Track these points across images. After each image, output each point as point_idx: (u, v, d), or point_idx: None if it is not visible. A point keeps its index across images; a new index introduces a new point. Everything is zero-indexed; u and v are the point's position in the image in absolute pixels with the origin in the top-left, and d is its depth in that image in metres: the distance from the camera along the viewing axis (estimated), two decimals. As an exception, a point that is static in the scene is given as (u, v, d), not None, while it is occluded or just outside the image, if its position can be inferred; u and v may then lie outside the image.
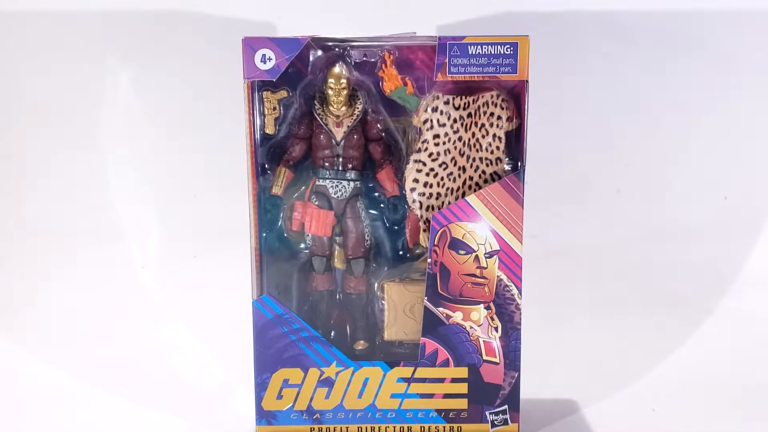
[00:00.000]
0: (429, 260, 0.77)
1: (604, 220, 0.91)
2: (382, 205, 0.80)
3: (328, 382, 0.78)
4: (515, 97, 0.77)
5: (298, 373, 0.77)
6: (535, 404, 0.85)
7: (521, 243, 0.77)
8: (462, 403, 0.79)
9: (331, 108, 0.76)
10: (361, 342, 0.81)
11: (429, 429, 0.79)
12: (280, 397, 0.78)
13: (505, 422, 0.79)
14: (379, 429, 0.79)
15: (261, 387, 0.78)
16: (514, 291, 0.77)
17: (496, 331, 0.78)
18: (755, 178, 0.91)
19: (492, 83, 0.76)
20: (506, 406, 0.79)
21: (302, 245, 0.80)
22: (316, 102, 0.77)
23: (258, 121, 0.76)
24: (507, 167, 0.78)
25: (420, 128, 0.77)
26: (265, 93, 0.75)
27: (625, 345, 0.94)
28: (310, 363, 0.77)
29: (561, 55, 0.90)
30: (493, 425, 0.79)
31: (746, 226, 0.91)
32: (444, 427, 0.79)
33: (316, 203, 0.78)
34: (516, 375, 0.79)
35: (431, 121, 0.77)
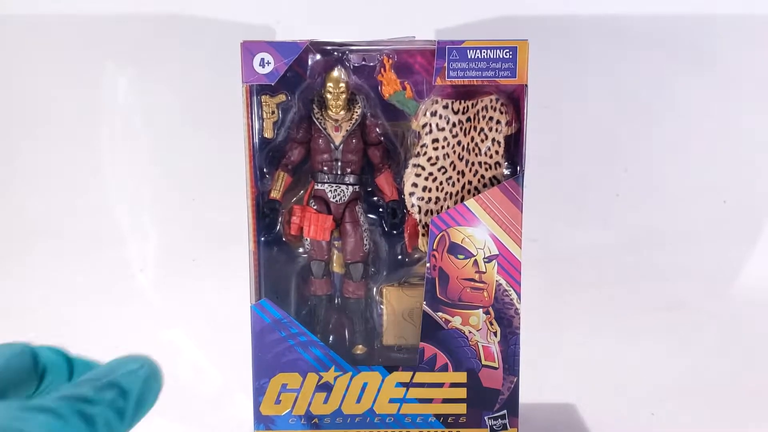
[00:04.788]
0: (428, 265, 0.76)
1: (603, 224, 0.91)
2: (380, 210, 0.80)
3: (326, 387, 0.78)
4: (514, 101, 0.77)
5: (297, 377, 0.77)
6: (534, 409, 0.85)
7: (520, 248, 0.76)
8: (461, 408, 0.78)
9: (329, 112, 0.76)
10: (360, 346, 0.80)
11: None
12: (278, 401, 0.78)
13: (504, 427, 0.79)
14: None
15: (259, 392, 0.77)
16: (513, 296, 0.77)
17: (495, 335, 0.78)
18: (754, 182, 0.90)
19: (491, 87, 0.76)
20: (505, 411, 0.79)
21: (300, 249, 0.79)
22: (314, 106, 0.76)
23: (257, 125, 0.76)
24: (506, 172, 0.78)
25: (419, 132, 0.77)
26: (263, 97, 0.75)
27: (625, 348, 0.93)
28: (309, 368, 0.77)
29: (560, 59, 0.89)
30: (492, 430, 0.79)
31: (745, 230, 0.91)
32: None
33: (315, 207, 0.78)
34: (515, 380, 0.78)
35: (430, 125, 0.77)
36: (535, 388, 0.85)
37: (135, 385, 0.46)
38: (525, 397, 0.79)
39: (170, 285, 0.99)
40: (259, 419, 0.78)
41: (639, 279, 0.91)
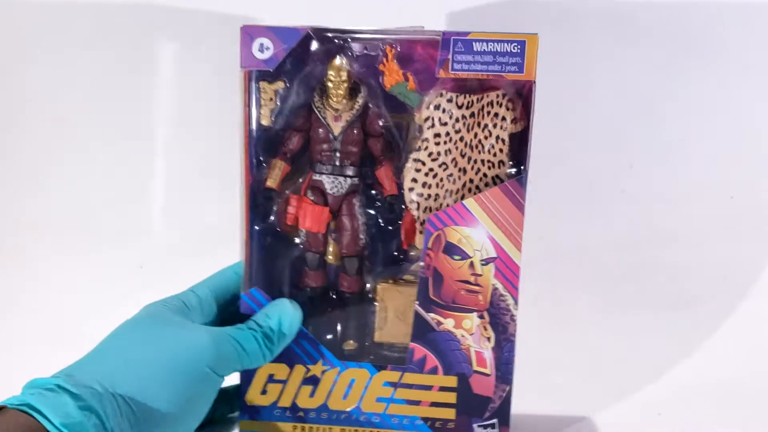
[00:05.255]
0: (422, 264, 0.74)
1: (609, 221, 0.86)
2: (378, 204, 0.77)
3: (313, 380, 0.76)
4: (522, 97, 0.73)
5: (284, 368, 0.76)
6: (538, 406, 0.83)
7: (520, 252, 0.73)
8: (449, 413, 0.76)
9: (330, 101, 0.74)
10: (351, 342, 0.79)
11: None
12: (264, 392, 0.77)
13: None
14: None
15: (246, 381, 0.77)
16: (510, 301, 0.74)
17: (489, 341, 0.75)
18: (761, 177, 0.85)
19: (499, 82, 0.72)
20: (496, 420, 0.76)
21: (297, 240, 0.78)
22: (315, 94, 0.74)
23: (254, 112, 0.74)
24: (510, 171, 0.74)
25: (421, 126, 0.74)
26: (262, 83, 0.74)
27: (631, 347, 0.90)
28: (297, 359, 0.76)
29: (564, 53, 0.85)
30: None
31: (753, 226, 0.86)
32: None
33: (312, 198, 0.76)
34: (507, 389, 0.75)
35: (432, 119, 0.74)
36: (539, 384, 0.83)
37: (280, 324, 0.73)
38: (529, 393, 0.77)
39: (171, 281, 0.99)
40: (244, 409, 0.77)
41: (645, 277, 0.88)
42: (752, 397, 0.83)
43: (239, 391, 0.77)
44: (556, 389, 0.87)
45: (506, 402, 0.75)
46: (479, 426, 0.76)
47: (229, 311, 0.78)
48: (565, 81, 0.83)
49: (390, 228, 0.77)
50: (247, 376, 0.76)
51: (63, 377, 0.62)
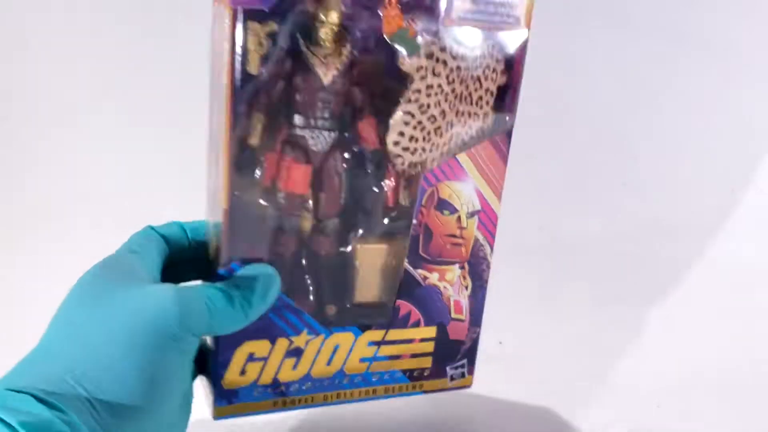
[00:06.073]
0: (414, 221, 0.71)
1: (610, 213, 0.87)
2: (360, 159, 0.71)
3: (296, 352, 0.70)
4: (513, 50, 0.72)
5: (265, 345, 0.69)
6: (536, 403, 0.82)
7: (500, 201, 0.74)
8: (426, 362, 0.77)
9: (319, 46, 0.64)
10: (331, 306, 0.74)
11: (393, 389, 0.76)
12: (243, 372, 0.69)
13: (462, 375, 0.79)
14: (344, 395, 0.74)
15: (223, 365, 0.68)
16: (487, 250, 0.76)
17: (467, 289, 0.76)
18: (762, 170, 0.85)
19: (491, 34, 0.70)
20: (465, 360, 0.79)
21: (271, 203, 0.68)
22: (301, 38, 0.64)
23: (238, 59, 0.61)
24: (492, 123, 0.74)
25: (412, 76, 0.69)
26: (251, 24, 0.61)
27: (631, 339, 0.89)
28: (279, 332, 0.69)
29: (567, 45, 0.83)
30: (452, 379, 0.79)
31: (753, 219, 0.86)
32: (407, 386, 0.77)
33: (292, 156, 0.67)
34: (478, 330, 0.78)
35: (425, 68, 0.69)
36: (538, 376, 0.84)
37: (260, 286, 0.65)
38: (528, 384, 0.77)
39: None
40: (222, 395, 0.69)
41: (645, 268, 0.88)
42: (750, 389, 0.82)
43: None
44: (555, 379, 0.86)
45: (475, 342, 0.79)
46: (451, 368, 0.79)
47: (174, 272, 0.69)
48: (567, 73, 0.81)
49: (372, 185, 0.72)
50: (225, 359, 0.68)
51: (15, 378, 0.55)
